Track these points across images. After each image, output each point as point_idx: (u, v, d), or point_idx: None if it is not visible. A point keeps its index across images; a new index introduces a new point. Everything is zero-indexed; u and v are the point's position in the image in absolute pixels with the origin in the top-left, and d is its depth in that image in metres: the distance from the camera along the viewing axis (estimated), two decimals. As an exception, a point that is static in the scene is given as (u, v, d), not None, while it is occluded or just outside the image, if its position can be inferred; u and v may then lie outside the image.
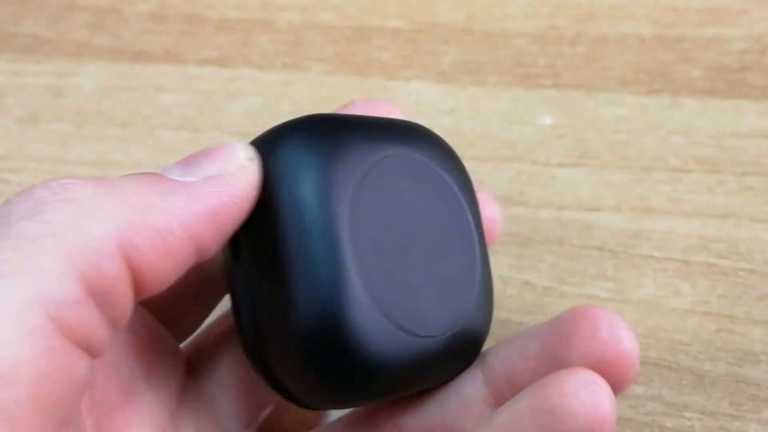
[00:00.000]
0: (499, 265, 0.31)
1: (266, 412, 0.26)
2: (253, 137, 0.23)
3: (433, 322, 0.22)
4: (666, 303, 0.30)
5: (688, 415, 0.28)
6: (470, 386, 0.23)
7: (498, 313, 0.30)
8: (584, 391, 0.19)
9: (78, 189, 0.18)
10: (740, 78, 0.36)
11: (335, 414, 0.26)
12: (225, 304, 0.26)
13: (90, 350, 0.18)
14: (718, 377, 0.28)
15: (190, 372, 0.25)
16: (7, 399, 0.15)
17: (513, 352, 0.23)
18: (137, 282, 0.18)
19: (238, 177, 0.20)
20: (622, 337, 0.20)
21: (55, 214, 0.17)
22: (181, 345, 0.25)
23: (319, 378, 0.21)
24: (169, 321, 0.24)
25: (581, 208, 0.33)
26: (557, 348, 0.21)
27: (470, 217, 0.24)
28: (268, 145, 0.21)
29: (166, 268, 0.19)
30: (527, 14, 0.39)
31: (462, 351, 0.23)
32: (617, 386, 0.20)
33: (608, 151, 0.34)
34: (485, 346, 0.24)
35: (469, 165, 0.34)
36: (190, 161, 0.21)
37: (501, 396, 0.23)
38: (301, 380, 0.21)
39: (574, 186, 0.33)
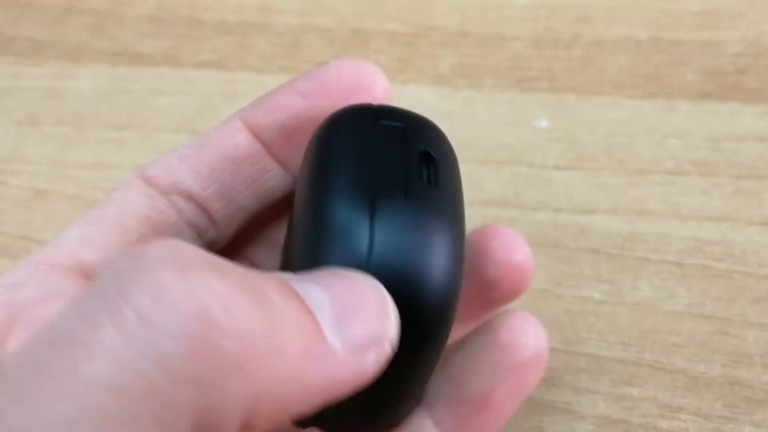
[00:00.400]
0: (495, 268, 0.32)
1: None
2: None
3: None
4: (661, 305, 0.30)
5: (683, 416, 0.28)
6: None
7: (494, 316, 0.30)
8: (528, 327, 0.22)
9: (237, 325, 0.15)
10: (735, 81, 0.36)
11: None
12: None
13: None
14: (712, 379, 0.29)
15: None
16: None
17: None
18: None
19: (375, 356, 0.18)
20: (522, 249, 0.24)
21: (202, 368, 0.14)
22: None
23: None
24: None
25: (577, 210, 0.33)
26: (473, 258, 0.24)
27: None
28: None
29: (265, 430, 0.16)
30: (523, 17, 0.39)
31: None
32: (519, 292, 0.24)
33: (604, 153, 0.34)
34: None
35: (465, 168, 0.34)
36: (344, 315, 0.17)
37: None
38: None
39: (569, 189, 0.34)
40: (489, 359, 0.22)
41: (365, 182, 0.20)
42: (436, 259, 0.19)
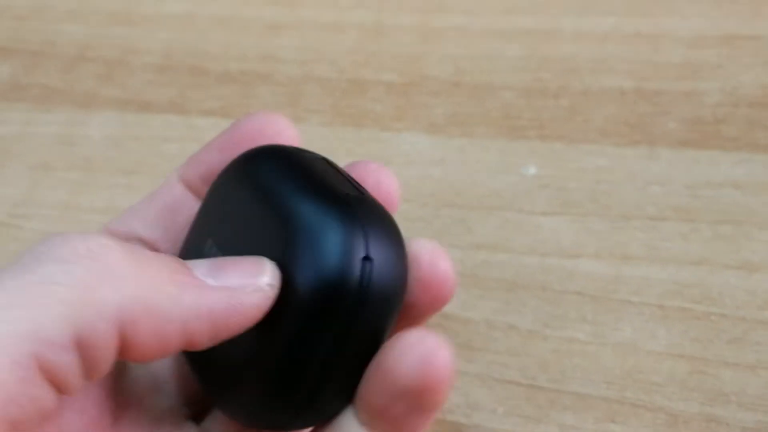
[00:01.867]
0: (485, 309, 0.33)
1: None
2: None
3: None
4: (642, 346, 0.32)
5: (662, 452, 0.30)
6: None
7: (484, 355, 0.32)
8: (417, 349, 0.21)
9: (111, 254, 0.20)
10: (715, 130, 0.38)
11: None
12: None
13: (60, 389, 0.20)
14: (690, 417, 0.30)
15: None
16: None
17: None
18: (123, 349, 0.20)
19: (252, 298, 0.21)
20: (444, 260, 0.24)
21: (79, 269, 0.20)
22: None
23: None
24: None
25: (563, 254, 0.35)
26: None
27: None
28: None
29: (153, 348, 0.21)
30: (514, 68, 0.41)
31: None
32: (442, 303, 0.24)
33: (589, 200, 0.36)
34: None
35: (457, 213, 0.36)
36: (218, 265, 0.22)
37: None
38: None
39: (556, 233, 0.35)
40: (377, 384, 0.22)
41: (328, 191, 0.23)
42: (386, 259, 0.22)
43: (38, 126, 0.42)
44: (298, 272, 0.22)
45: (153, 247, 0.28)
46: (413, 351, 0.21)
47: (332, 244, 0.21)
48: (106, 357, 0.20)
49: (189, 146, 0.40)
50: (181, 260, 0.22)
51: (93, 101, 0.43)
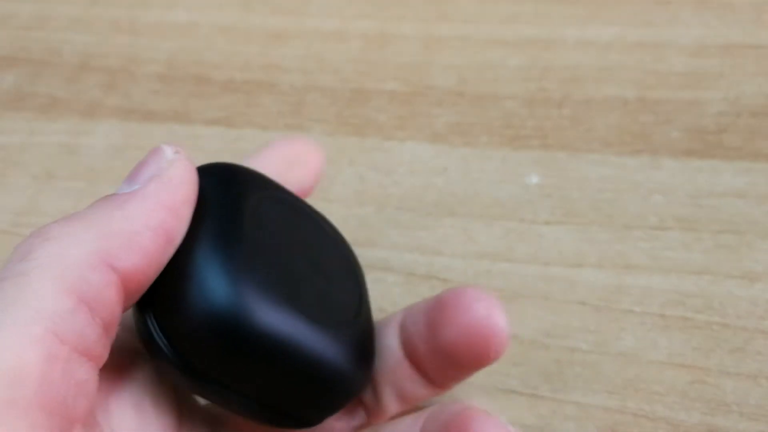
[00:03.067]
0: (487, 319, 0.33)
1: None
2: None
3: (320, 315, 0.25)
4: (644, 355, 0.32)
5: (664, 462, 0.30)
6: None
7: (486, 365, 0.32)
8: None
9: (56, 229, 0.21)
10: (717, 139, 0.38)
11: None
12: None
13: (87, 354, 0.20)
14: (692, 426, 0.30)
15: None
16: (18, 396, 0.18)
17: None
18: (124, 283, 0.21)
19: (173, 168, 0.24)
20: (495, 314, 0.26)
21: (41, 252, 0.20)
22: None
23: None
24: None
25: (565, 264, 0.35)
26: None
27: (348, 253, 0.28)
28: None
29: (145, 264, 0.22)
30: (517, 77, 0.41)
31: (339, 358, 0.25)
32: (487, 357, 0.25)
33: (592, 209, 0.36)
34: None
35: (459, 222, 0.36)
36: (131, 175, 0.24)
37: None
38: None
39: (559, 243, 0.35)
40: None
41: None
42: None
43: (42, 135, 0.42)
44: None
45: None
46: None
47: None
48: (113, 298, 0.21)
49: (192, 155, 0.40)
50: (106, 195, 0.23)
51: (97, 111, 0.43)
